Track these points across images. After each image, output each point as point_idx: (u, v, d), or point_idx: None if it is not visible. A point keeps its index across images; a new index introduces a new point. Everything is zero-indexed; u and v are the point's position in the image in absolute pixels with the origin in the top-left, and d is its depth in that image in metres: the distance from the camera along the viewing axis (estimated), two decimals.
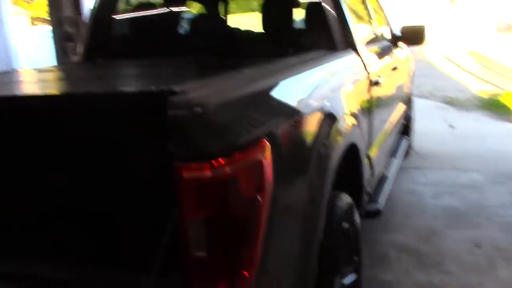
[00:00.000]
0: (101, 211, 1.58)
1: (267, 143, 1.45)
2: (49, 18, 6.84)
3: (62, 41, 5.96)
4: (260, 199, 1.40)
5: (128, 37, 3.54)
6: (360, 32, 3.22)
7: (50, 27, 6.24)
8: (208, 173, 1.28)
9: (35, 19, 10.80)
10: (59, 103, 1.58)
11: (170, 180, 1.30)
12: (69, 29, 5.91)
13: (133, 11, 3.78)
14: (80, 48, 3.46)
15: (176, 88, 1.31)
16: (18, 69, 2.98)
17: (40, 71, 2.85)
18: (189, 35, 3.56)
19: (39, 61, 6.18)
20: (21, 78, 2.67)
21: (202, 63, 2.77)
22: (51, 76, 2.70)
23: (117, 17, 3.72)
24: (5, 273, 1.64)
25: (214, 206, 1.31)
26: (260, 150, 1.42)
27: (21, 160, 1.68)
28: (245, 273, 1.38)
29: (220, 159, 1.29)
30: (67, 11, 5.88)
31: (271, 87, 1.72)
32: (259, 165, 1.41)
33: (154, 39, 3.32)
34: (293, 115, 1.75)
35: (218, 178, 1.29)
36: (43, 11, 10.08)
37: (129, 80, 2.28)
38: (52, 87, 2.25)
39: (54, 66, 3.53)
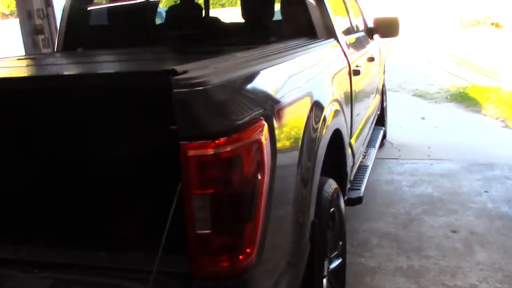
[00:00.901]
0: (107, 186, 1.58)
1: (265, 123, 1.47)
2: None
3: (32, 33, 5.81)
4: (260, 177, 1.42)
5: (105, 27, 3.49)
6: (338, 22, 3.25)
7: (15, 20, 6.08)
8: (211, 151, 1.29)
9: (2, 14, 10.54)
10: (69, 84, 1.55)
11: (173, 158, 1.30)
12: (39, 21, 5.78)
13: (109, 1, 3.73)
14: (55, 40, 3.41)
15: (178, 68, 1.31)
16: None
17: (28, 59, 2.81)
18: (166, 24, 3.54)
19: (6, 54, 6.01)
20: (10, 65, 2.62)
21: (189, 49, 2.77)
22: (43, 62, 2.67)
23: (93, 7, 3.67)
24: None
25: (217, 183, 1.33)
26: (259, 130, 1.44)
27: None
28: (248, 249, 1.40)
29: (222, 138, 1.30)
30: (37, 4, 5.74)
31: (264, 71, 1.73)
32: (259, 144, 1.43)
33: (131, 28, 3.29)
34: (285, 98, 1.77)
35: (221, 156, 1.30)
36: (13, 5, 9.84)
37: (126, 65, 2.26)
38: (54, 71, 2.21)
39: (37, 55, 3.48)
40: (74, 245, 1.77)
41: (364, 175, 3.42)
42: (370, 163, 3.74)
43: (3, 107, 1.71)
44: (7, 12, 9.54)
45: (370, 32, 4.29)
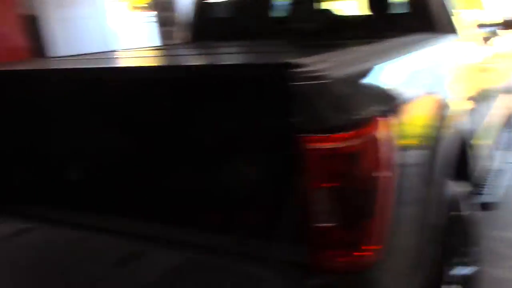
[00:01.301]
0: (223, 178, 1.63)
1: (386, 119, 1.44)
2: (146, 5, 7.12)
3: (162, 25, 6.21)
4: (381, 173, 1.39)
5: (230, 20, 3.62)
6: (464, 16, 3.06)
7: (149, 13, 6.53)
8: (334, 145, 1.29)
9: (135, 7, 11.35)
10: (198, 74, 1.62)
11: (290, 151, 1.32)
12: (166, 14, 6.14)
13: None
14: (181, 32, 3.61)
15: (300, 61, 1.32)
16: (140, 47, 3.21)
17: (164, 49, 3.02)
18: (287, 18, 3.57)
19: (139, 45, 6.49)
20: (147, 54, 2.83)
21: (310, 43, 2.78)
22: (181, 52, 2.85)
23: (219, 0, 3.83)
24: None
25: (338, 178, 1.33)
26: (380, 126, 1.40)
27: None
28: (369, 247, 1.38)
29: (342, 132, 1.29)
30: None
31: (384, 65, 1.69)
32: (379, 140, 1.39)
33: (255, 21, 3.38)
34: (407, 94, 1.71)
35: (344, 150, 1.30)
36: None
37: (246, 57, 2.34)
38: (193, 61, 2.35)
39: (175, 45, 3.72)
40: (201, 227, 1.84)
41: (498, 180, 3.21)
42: (506, 167, 3.50)
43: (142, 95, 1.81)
44: (142, 6, 10.30)
45: (506, 26, 3.96)
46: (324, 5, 3.79)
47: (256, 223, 1.55)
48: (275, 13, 3.69)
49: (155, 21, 6.45)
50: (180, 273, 1.60)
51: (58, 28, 6.42)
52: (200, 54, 2.75)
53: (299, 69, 1.30)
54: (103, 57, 2.89)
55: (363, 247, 1.38)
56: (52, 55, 6.26)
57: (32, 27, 6.21)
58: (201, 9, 3.53)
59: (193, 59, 2.52)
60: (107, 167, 1.90)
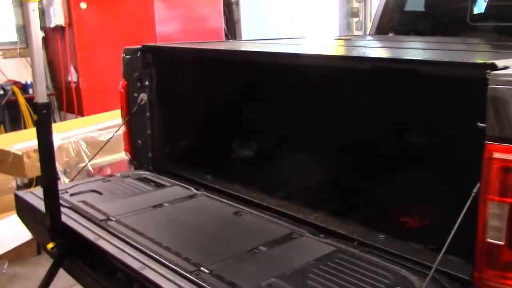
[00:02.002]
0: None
1: None
2: None
3: (348, 16, 6.21)
4: None
5: (419, 13, 3.47)
6: None
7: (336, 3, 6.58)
8: None
9: None
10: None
11: (479, 157, 1.23)
12: (356, 5, 6.12)
13: None
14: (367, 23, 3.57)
15: (498, 62, 1.22)
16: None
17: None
18: (485, 13, 3.30)
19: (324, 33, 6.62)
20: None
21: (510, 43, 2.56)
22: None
23: None
24: None
25: None
26: None
27: None
28: None
29: None
30: None
31: None
32: None
33: (446, 16, 3.19)
34: None
35: None
36: None
37: (433, 53, 2.24)
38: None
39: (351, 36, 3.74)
40: (358, 220, 1.86)
41: None
42: None
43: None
44: None
45: None
46: None
47: (418, 226, 1.50)
48: (472, 9, 3.43)
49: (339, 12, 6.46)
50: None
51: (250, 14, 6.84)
52: (391, 47, 2.70)
53: (495, 71, 1.19)
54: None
55: None
56: (240, 38, 6.73)
57: (228, 12, 6.70)
58: (391, 1, 3.43)
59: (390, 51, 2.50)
60: None
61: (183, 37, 5.38)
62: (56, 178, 2.08)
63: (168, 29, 5.41)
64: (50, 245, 1.96)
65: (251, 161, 2.74)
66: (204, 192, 2.22)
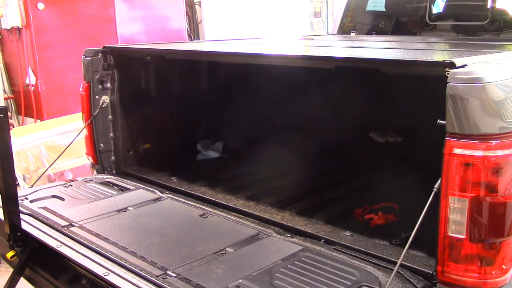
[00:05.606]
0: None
1: None
2: None
3: (310, 16, 6.28)
4: None
5: (378, 14, 3.53)
6: None
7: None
8: (479, 153, 1.20)
9: None
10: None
11: (439, 153, 1.25)
12: (318, 5, 6.19)
13: None
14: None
15: (457, 61, 1.24)
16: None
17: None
18: (444, 13, 3.37)
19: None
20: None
21: (468, 41, 2.62)
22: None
23: None
24: None
25: (480, 189, 1.23)
26: None
27: None
28: (503, 266, 1.27)
29: (494, 141, 1.20)
30: None
31: None
32: None
33: (405, 15, 3.26)
34: None
35: (489, 160, 1.20)
36: None
37: (395, 52, 2.28)
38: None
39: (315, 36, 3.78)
40: (324, 219, 1.88)
41: None
42: None
43: None
44: None
45: None
46: (491, 2, 3.52)
47: (382, 223, 1.52)
48: (430, 8, 3.51)
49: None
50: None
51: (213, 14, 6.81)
52: (352, 47, 2.73)
53: (454, 70, 1.22)
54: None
55: (495, 266, 1.27)
56: (203, 39, 6.70)
57: (191, 12, 6.66)
58: (353, 1, 3.48)
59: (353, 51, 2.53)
60: None
61: (145, 38, 5.32)
62: (15, 184, 2.02)
63: (130, 30, 5.34)
64: (9, 254, 1.89)
65: (216, 162, 2.73)
66: (169, 195, 2.20)
